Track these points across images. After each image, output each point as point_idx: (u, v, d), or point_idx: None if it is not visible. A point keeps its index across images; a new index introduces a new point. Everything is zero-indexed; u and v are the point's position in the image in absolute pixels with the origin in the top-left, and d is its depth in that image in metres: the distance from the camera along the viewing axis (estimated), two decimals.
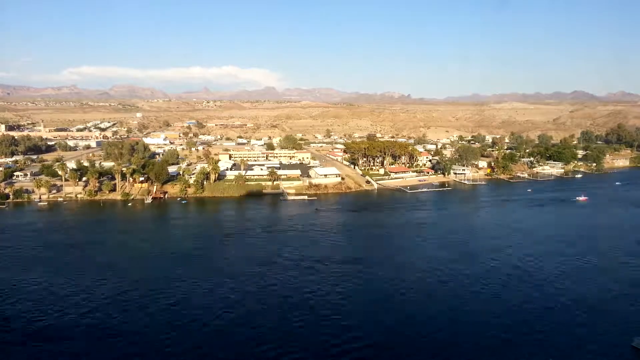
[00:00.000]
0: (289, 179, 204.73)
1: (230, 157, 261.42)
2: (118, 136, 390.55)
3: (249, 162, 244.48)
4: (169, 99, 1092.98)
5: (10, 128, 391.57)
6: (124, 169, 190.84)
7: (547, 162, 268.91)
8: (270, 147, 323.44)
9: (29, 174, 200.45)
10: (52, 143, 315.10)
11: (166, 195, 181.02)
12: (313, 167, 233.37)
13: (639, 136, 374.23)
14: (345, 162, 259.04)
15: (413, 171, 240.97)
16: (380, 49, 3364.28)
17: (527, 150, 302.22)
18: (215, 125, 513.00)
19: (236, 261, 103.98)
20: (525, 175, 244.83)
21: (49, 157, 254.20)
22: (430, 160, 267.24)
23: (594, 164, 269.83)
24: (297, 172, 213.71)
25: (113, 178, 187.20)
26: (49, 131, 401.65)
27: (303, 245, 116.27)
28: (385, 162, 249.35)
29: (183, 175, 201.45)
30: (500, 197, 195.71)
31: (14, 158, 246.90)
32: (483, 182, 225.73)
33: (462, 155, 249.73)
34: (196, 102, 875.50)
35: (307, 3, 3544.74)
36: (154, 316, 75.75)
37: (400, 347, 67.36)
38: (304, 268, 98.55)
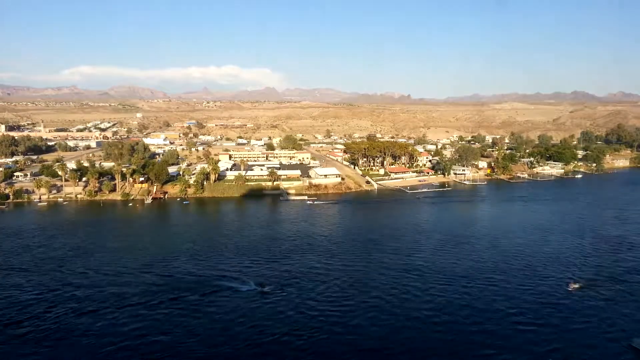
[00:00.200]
0: (289, 179, 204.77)
1: (230, 157, 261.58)
2: (118, 136, 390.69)
3: (249, 163, 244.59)
4: (169, 99, 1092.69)
5: (10, 128, 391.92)
6: (124, 169, 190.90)
7: (547, 162, 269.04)
8: (270, 147, 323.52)
9: (29, 174, 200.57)
10: (52, 143, 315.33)
11: (166, 196, 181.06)
12: (313, 167, 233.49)
13: (639, 136, 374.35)
14: (345, 163, 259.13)
15: (413, 171, 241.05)
16: (380, 49, 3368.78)
17: (527, 151, 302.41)
18: (215, 125, 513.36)
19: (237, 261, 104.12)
20: (525, 175, 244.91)
21: (49, 157, 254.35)
22: (430, 161, 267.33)
23: (594, 164, 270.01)
24: (297, 172, 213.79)
25: (113, 178, 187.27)
26: (49, 131, 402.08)
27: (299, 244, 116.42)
28: (385, 162, 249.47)
29: (183, 176, 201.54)
30: (500, 197, 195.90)
31: (14, 158, 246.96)
32: (483, 183, 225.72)
33: (462, 156, 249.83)
34: (196, 102, 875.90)
35: (307, 3, 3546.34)
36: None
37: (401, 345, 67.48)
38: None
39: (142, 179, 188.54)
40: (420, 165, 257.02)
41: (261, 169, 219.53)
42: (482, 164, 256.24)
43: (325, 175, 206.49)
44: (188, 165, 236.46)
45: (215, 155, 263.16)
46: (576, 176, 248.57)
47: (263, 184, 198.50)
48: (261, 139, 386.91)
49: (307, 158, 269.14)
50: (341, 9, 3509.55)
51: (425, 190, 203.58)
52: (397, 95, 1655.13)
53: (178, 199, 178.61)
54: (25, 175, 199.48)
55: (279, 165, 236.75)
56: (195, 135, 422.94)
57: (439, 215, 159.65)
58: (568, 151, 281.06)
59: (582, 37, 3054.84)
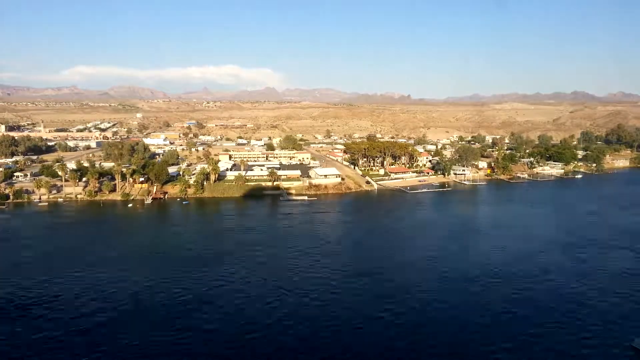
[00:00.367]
0: (289, 179, 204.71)
1: (230, 157, 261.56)
2: (118, 137, 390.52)
3: (249, 163, 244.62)
4: (169, 99, 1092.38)
5: (10, 128, 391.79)
6: (124, 169, 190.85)
7: (547, 162, 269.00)
8: (270, 147, 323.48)
9: (29, 174, 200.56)
10: (52, 143, 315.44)
11: (166, 196, 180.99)
12: (313, 167, 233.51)
13: (639, 136, 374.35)
14: (345, 163, 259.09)
15: (413, 171, 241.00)
16: (380, 49, 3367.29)
17: (527, 151, 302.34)
18: (215, 125, 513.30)
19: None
20: (525, 175, 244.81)
21: (49, 157, 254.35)
22: (430, 161, 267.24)
23: (594, 165, 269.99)
24: (297, 172, 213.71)
25: (113, 178, 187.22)
26: (49, 132, 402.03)
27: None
28: (385, 162, 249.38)
29: (183, 176, 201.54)
30: (500, 197, 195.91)
31: (14, 158, 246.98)
32: (483, 183, 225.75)
33: (462, 156, 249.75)
34: (196, 102, 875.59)
35: (307, 3, 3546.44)
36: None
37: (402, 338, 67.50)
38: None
39: (142, 179, 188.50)
40: (420, 165, 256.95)
41: (261, 169, 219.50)
42: (482, 164, 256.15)
43: (325, 176, 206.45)
44: (188, 165, 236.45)
45: (215, 155, 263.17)
46: (576, 176, 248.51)
47: (263, 184, 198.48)
48: (261, 139, 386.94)
49: (307, 158, 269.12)
50: (341, 9, 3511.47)
51: (425, 190, 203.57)
52: (397, 95, 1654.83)
53: (178, 199, 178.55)
54: (25, 175, 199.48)
55: (279, 166, 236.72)
56: (195, 136, 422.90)
57: (439, 216, 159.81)
58: (568, 151, 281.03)
59: (582, 37, 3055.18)
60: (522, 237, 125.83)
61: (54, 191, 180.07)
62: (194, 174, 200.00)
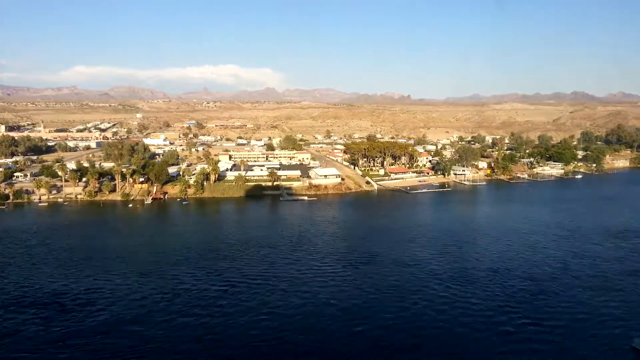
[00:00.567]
0: (289, 179, 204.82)
1: (230, 157, 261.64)
2: (118, 137, 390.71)
3: (249, 163, 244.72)
4: (169, 99, 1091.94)
5: (10, 129, 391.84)
6: (124, 169, 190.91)
7: (547, 162, 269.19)
8: (270, 147, 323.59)
9: (29, 174, 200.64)
10: (52, 144, 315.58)
11: (166, 196, 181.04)
12: (313, 167, 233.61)
13: (639, 137, 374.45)
14: (345, 163, 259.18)
15: (413, 172, 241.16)
16: (380, 50, 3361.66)
17: (527, 151, 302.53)
18: (215, 125, 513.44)
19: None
20: (525, 175, 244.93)
21: (49, 157, 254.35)
22: (430, 161, 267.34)
23: (594, 165, 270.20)
24: (297, 172, 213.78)
25: (113, 179, 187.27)
26: (49, 132, 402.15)
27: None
28: (385, 162, 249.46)
29: (183, 176, 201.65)
30: (500, 197, 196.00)
31: (14, 159, 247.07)
32: (483, 183, 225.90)
33: (462, 156, 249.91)
34: (196, 102, 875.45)
35: (307, 3, 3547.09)
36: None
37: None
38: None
39: (142, 179, 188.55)
40: (420, 165, 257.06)
41: (261, 170, 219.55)
42: (482, 164, 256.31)
43: (325, 176, 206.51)
44: (188, 165, 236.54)
45: (215, 155, 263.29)
46: (576, 176, 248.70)
47: (263, 184, 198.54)
48: (261, 140, 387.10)
49: (307, 158, 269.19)
50: (341, 9, 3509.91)
51: (425, 190, 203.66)
52: (397, 95, 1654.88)
53: (178, 199, 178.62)
54: (25, 175, 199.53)
55: (279, 166, 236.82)
56: (195, 136, 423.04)
57: (439, 216, 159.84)
58: (568, 151, 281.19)
59: (582, 37, 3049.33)
60: (523, 236, 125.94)
61: (54, 191, 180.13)
62: (194, 174, 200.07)
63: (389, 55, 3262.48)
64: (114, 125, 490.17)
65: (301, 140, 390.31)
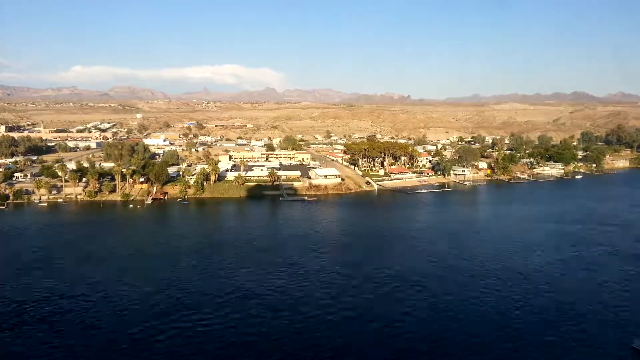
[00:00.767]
0: (289, 179, 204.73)
1: (230, 158, 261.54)
2: (118, 137, 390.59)
3: (249, 163, 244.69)
4: (169, 99, 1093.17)
5: (10, 129, 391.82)
6: (124, 169, 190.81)
7: (547, 163, 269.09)
8: (270, 148, 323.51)
9: (29, 174, 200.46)
10: (52, 144, 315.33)
11: (166, 196, 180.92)
12: (313, 168, 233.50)
13: (639, 137, 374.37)
14: (345, 163, 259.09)
15: (413, 172, 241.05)
16: (380, 50, 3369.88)
17: (527, 151, 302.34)
18: (215, 126, 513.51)
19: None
20: (525, 176, 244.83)
21: (49, 158, 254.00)
22: (430, 161, 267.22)
23: (594, 165, 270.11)
24: (297, 173, 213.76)
25: (113, 179, 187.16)
26: (49, 132, 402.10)
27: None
28: (385, 163, 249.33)
29: (183, 176, 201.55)
30: (500, 197, 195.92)
31: (14, 159, 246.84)
32: (483, 183, 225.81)
33: (462, 156, 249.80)
34: (196, 103, 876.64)
35: (308, 3, 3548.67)
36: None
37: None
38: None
39: (142, 179, 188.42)
40: (420, 165, 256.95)
41: (261, 170, 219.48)
42: (482, 164, 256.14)
43: (325, 176, 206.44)
44: (188, 165, 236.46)
45: (215, 155, 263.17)
46: (576, 177, 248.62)
47: (263, 184, 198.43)
48: (261, 140, 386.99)
49: (307, 159, 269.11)
50: (341, 10, 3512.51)
51: (426, 190, 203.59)
52: (397, 95, 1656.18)
53: (178, 200, 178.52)
54: (25, 175, 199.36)
55: (279, 166, 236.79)
56: (195, 136, 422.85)
57: (439, 216, 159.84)
58: (568, 152, 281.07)
59: (582, 37, 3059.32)
60: (523, 237, 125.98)
61: (54, 191, 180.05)
62: (194, 175, 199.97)
63: (389, 55, 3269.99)
64: (114, 125, 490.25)
65: (301, 140, 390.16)
